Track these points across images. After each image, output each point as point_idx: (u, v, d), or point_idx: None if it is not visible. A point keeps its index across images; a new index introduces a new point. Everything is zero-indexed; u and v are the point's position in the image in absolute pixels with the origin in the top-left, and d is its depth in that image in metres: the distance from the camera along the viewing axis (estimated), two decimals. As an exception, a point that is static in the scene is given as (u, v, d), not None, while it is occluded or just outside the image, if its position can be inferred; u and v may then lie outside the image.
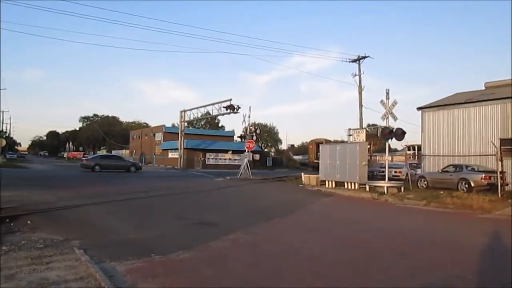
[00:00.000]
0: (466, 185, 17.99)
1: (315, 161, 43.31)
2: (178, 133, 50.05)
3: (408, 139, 50.64)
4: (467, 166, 19.14)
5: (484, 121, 20.75)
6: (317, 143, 44.98)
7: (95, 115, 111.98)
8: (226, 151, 54.68)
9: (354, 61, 34.10)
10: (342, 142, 37.29)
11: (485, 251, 7.68)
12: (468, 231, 10.59)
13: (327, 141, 44.28)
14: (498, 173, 16.30)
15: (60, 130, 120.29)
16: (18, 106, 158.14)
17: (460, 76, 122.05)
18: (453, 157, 21.63)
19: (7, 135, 64.88)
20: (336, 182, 21.97)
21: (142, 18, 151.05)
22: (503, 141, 19.05)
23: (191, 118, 50.57)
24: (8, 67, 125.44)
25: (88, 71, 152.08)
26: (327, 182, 22.51)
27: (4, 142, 45.85)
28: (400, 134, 19.80)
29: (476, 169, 18.69)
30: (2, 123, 63.08)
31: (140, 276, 5.47)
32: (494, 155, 17.14)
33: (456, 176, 18.79)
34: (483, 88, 25.17)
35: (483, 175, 17.80)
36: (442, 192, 17.46)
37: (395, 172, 25.82)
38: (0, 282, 4.98)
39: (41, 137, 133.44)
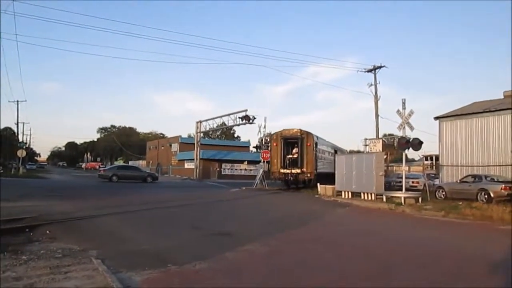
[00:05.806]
0: (486, 196, 17.61)
1: (282, 170, 27.41)
2: (194, 144, 50.36)
3: (425, 149, 49.55)
4: (486, 176, 18.78)
5: (503, 130, 20.36)
6: (286, 139, 27.94)
7: (112, 126, 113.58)
8: (241, 162, 54.72)
9: (370, 71, 34.01)
10: (358, 152, 36.10)
11: (507, 263, 7.49)
12: (489, 242, 10.34)
13: (304, 134, 27.22)
14: (519, 183, 15.95)
15: (79, 141, 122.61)
16: (38, 117, 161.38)
17: (478, 85, 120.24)
18: (471, 167, 21.24)
19: (27, 146, 66.31)
20: (352, 193, 21.77)
21: (159, 30, 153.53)
22: (523, 151, 18.66)
23: (207, 129, 50.90)
24: (28, 79, 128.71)
25: (106, 83, 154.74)
26: (343, 193, 22.32)
27: (24, 153, 46.96)
28: (417, 144, 19.55)
29: (495, 179, 18.35)
30: (23, 134, 64.57)
31: (157, 287, 5.51)
32: (514, 165, 16.80)
33: (475, 186, 18.44)
34: (502, 97, 24.76)
35: (503, 185, 17.45)
36: (460, 203, 17.10)
37: (413, 182, 25.49)
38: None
39: (60, 148, 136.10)
